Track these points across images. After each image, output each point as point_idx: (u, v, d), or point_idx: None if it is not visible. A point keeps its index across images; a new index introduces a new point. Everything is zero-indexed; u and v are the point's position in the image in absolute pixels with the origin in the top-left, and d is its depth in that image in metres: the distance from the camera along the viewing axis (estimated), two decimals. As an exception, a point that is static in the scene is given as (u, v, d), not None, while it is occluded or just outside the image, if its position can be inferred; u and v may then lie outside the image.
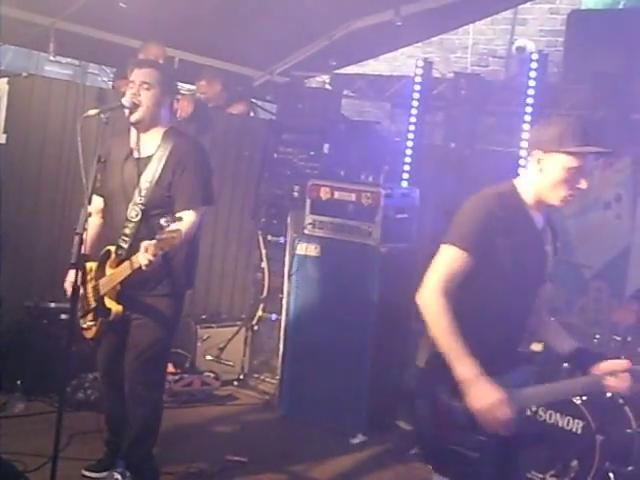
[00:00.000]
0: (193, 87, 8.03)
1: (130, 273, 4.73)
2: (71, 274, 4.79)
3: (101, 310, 4.93)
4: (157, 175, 4.90)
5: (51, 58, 7.46)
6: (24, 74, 6.60)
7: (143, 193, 4.89)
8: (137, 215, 4.88)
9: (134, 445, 5.10)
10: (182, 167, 4.90)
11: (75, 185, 6.42)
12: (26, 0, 6.65)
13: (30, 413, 6.12)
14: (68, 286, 4.89)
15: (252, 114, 8.70)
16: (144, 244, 4.55)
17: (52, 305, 6.58)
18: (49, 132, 6.74)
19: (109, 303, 4.89)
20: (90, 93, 6.97)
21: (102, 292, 4.92)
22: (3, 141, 6.48)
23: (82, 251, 4.42)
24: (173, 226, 4.51)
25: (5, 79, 6.45)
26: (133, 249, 4.76)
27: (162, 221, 4.56)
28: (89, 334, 5.05)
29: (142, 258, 4.55)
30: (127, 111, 4.88)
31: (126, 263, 4.77)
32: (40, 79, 7.12)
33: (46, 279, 6.70)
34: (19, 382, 6.26)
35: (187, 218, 4.82)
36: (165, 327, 5.06)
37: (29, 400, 6.26)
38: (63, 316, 6.40)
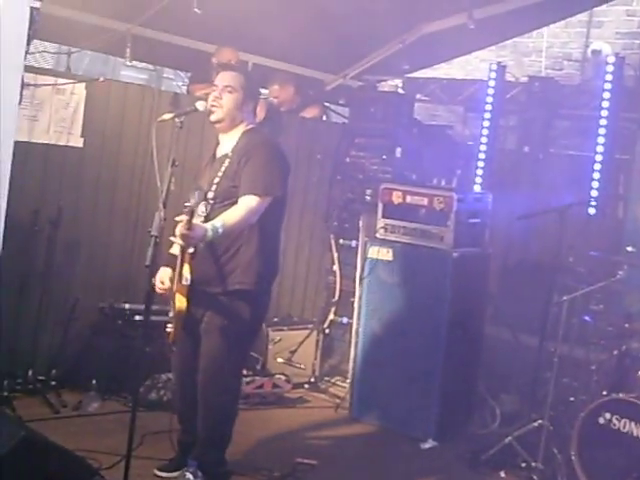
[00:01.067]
0: (266, 91, 8.07)
1: (182, 256, 4.66)
2: (162, 271, 4.91)
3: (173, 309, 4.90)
4: (226, 169, 4.94)
5: (127, 63, 7.56)
6: (101, 79, 6.69)
7: (213, 188, 4.94)
8: (206, 210, 4.92)
9: (206, 449, 5.11)
10: (247, 157, 4.92)
11: (150, 188, 6.49)
12: (102, 6, 6.75)
13: (104, 412, 6.20)
14: (158, 281, 4.93)
15: (324, 118, 8.72)
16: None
17: (126, 306, 6.66)
18: (125, 136, 6.83)
19: (176, 299, 4.80)
20: (165, 98, 7.05)
21: (174, 289, 4.84)
22: (80, 145, 6.59)
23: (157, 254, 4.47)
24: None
25: (82, 84, 6.55)
26: None
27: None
28: (170, 338, 4.94)
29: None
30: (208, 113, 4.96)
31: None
32: (116, 84, 7.24)
33: (121, 281, 6.80)
34: (94, 381, 6.34)
35: (245, 202, 4.80)
36: (239, 329, 5.00)
37: (103, 399, 6.34)
38: (137, 317, 6.51)
